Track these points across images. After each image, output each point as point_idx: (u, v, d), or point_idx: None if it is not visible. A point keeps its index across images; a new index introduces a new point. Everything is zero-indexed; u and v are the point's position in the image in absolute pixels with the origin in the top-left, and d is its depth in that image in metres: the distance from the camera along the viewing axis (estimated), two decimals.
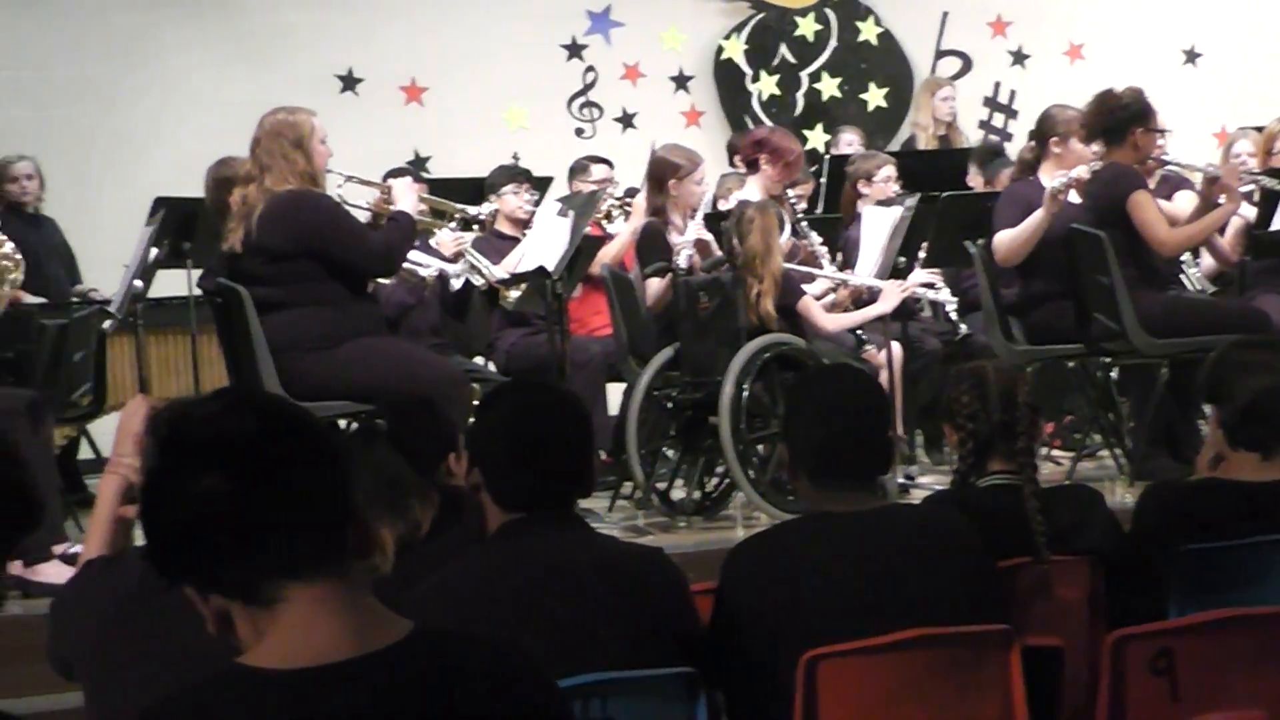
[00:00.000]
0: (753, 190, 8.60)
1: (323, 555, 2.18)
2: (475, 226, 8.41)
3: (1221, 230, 8.35)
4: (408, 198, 7.32)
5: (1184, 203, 8.57)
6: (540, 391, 3.81)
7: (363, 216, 7.48)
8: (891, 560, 3.78)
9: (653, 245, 8.27)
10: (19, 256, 6.82)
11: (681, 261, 7.97)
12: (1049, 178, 8.20)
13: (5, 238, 6.83)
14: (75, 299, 9.77)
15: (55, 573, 6.43)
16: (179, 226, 8.69)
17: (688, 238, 8.13)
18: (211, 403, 2.22)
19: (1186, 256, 8.88)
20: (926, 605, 3.72)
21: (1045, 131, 8.41)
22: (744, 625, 3.77)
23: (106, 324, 8.49)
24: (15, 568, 6.44)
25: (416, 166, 11.42)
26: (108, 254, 9.93)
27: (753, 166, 8.73)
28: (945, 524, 3.96)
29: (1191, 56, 13.76)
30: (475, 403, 6.96)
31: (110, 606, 3.33)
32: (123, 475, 3.66)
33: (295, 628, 2.16)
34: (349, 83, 12.43)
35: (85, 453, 9.34)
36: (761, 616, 3.75)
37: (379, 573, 2.51)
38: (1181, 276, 8.90)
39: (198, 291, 8.37)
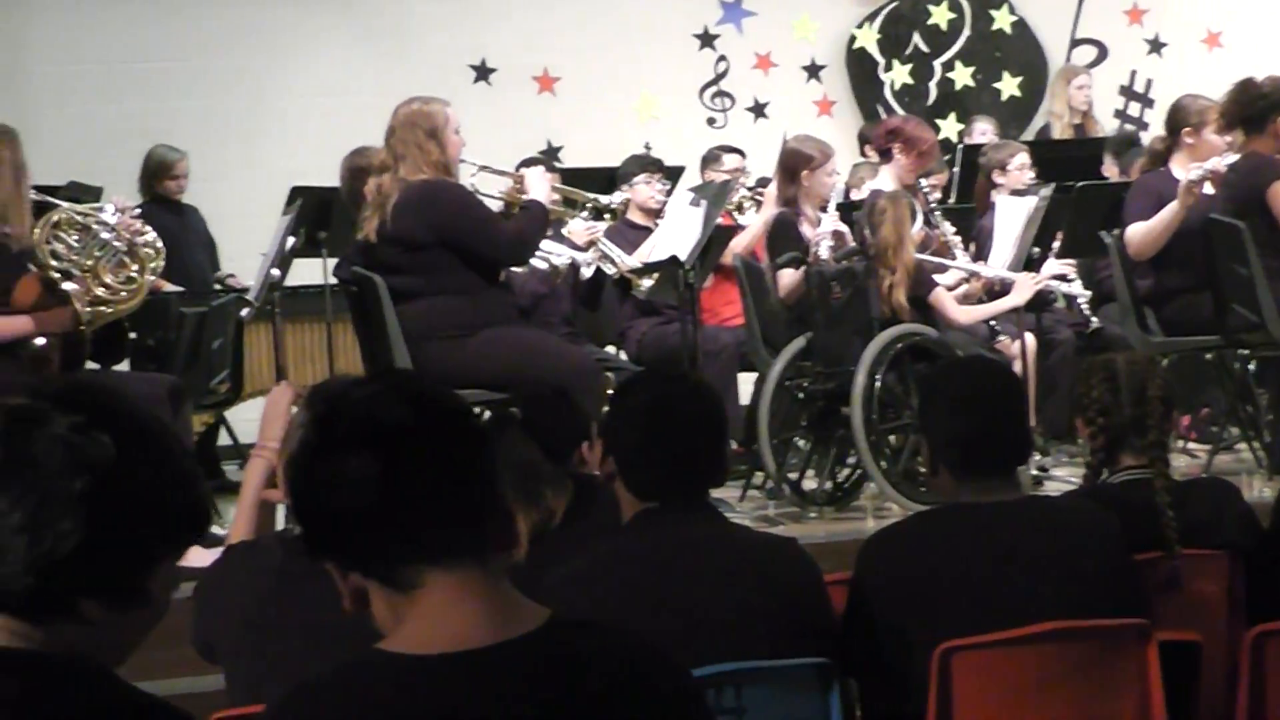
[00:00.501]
0: (886, 180, 8.56)
1: (464, 544, 2.20)
2: (606, 216, 8.42)
3: None
4: (540, 187, 7.34)
5: None
6: (676, 381, 3.82)
7: (495, 206, 7.52)
8: (1031, 553, 3.77)
9: (785, 236, 8.26)
10: (160, 245, 6.90)
11: (822, 252, 7.95)
12: (1181, 169, 8.11)
13: (149, 227, 6.93)
14: (215, 286, 9.90)
15: (196, 557, 6.49)
16: (315, 215, 8.78)
17: (824, 229, 8.11)
18: (369, 385, 2.25)
19: None
20: (1065, 599, 3.70)
21: (1178, 122, 8.31)
22: (880, 616, 3.77)
23: (244, 312, 8.58)
24: None
25: (549, 156, 11.48)
26: (243, 241, 10.06)
27: (886, 156, 8.70)
28: (1086, 517, 3.94)
29: None
30: (609, 392, 6.99)
31: (252, 591, 3.38)
32: (267, 459, 3.71)
33: (434, 614, 2.18)
34: (482, 72, 12.50)
35: (223, 439, 9.46)
36: (898, 607, 3.74)
37: (513, 560, 2.52)
38: None
39: (333, 280, 8.45)
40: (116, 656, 2.19)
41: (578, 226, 8.27)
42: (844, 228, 8.16)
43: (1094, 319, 8.78)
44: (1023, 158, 9.37)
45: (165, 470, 2.16)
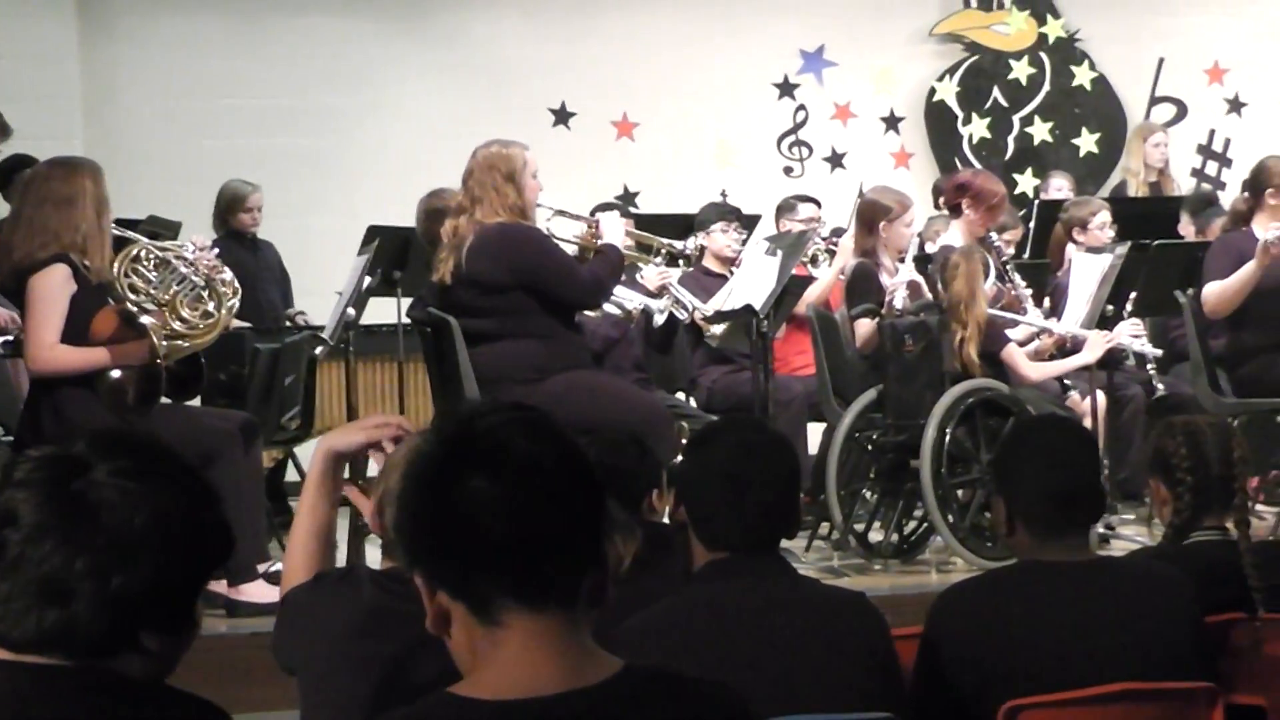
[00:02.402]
0: (955, 234, 8.55)
1: (560, 590, 2.19)
2: (681, 262, 8.43)
3: None
4: (615, 231, 7.37)
5: None
6: (754, 431, 3.82)
7: (570, 250, 7.54)
8: (1104, 614, 3.76)
9: (865, 286, 8.27)
10: (237, 284, 6.95)
11: (897, 303, 7.95)
12: (1262, 229, 8.09)
13: (225, 266, 6.97)
14: (287, 323, 9.95)
15: (260, 592, 6.55)
16: (391, 255, 8.82)
17: (900, 279, 8.11)
18: (502, 412, 2.25)
19: None
20: (1135, 660, 3.70)
21: (1261, 182, 8.30)
22: (951, 673, 3.76)
23: (318, 350, 8.62)
24: (220, 587, 6.57)
25: (625, 201, 11.53)
26: (317, 278, 10.12)
27: (955, 210, 8.67)
28: (1160, 578, 3.93)
29: None
30: (682, 440, 7.00)
31: (339, 624, 3.39)
32: (330, 445, 3.67)
33: (511, 658, 2.17)
34: (561, 116, 12.57)
35: (291, 474, 9.49)
36: (971, 665, 3.74)
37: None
38: None
39: (407, 320, 8.49)
40: (166, 676, 2.31)
41: (651, 272, 8.29)
42: (920, 279, 8.16)
43: (1158, 383, 8.74)
44: (1104, 215, 9.34)
45: (205, 505, 2.28)
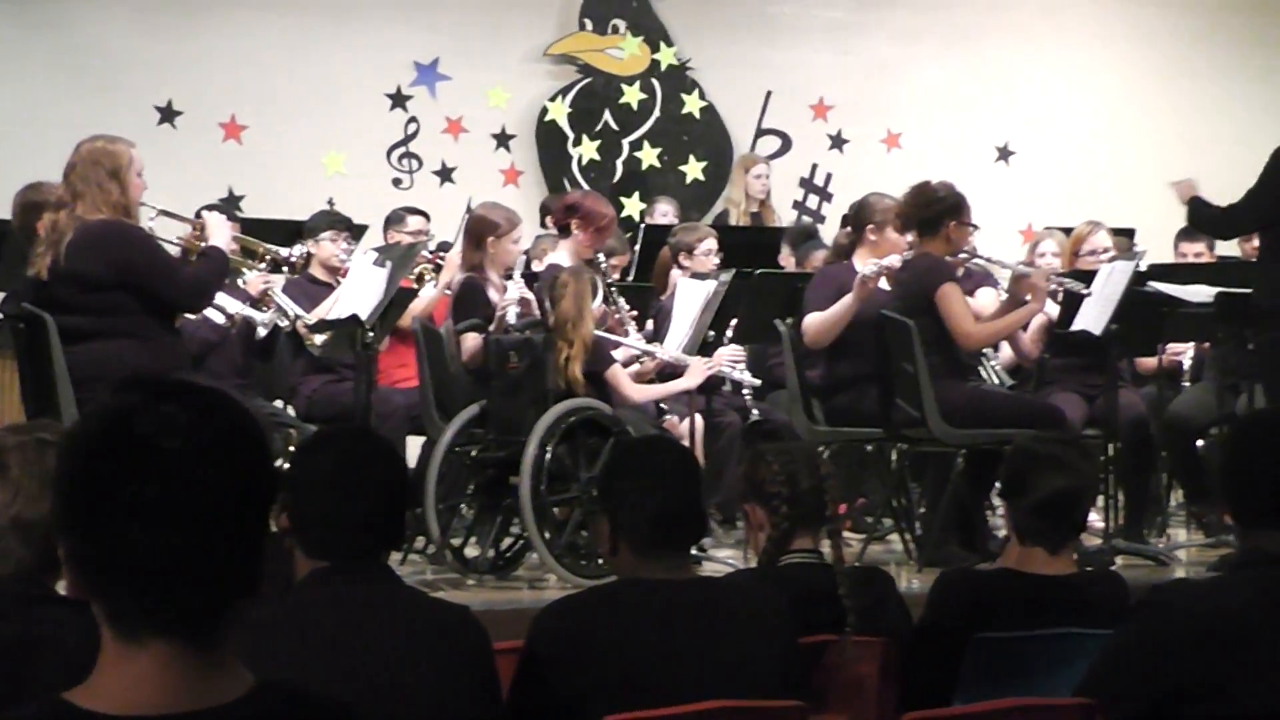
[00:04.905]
0: (563, 254, 8.58)
1: (199, 620, 2.04)
2: (285, 269, 8.33)
3: (1024, 326, 8.51)
4: (221, 233, 7.26)
5: (985, 300, 8.76)
6: (363, 440, 3.78)
7: (173, 251, 7.41)
8: (702, 631, 3.83)
9: (472, 301, 8.28)
10: None
11: (509, 318, 7.97)
12: (862, 263, 8.33)
13: None
14: None
15: None
16: None
17: (511, 296, 8.13)
18: (152, 413, 2.01)
19: (987, 349, 9.06)
20: (731, 677, 3.76)
21: (863, 218, 8.54)
22: (550, 687, 3.77)
23: None
24: None
25: (230, 204, 11.32)
26: None
27: (564, 231, 8.69)
28: (756, 598, 4.02)
29: (1005, 154, 14.03)
30: (290, 448, 6.91)
31: None
32: None
33: (141, 675, 2.02)
34: (167, 114, 12.32)
35: None
36: (570, 679, 3.76)
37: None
38: (980, 368, 9.08)
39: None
40: None
41: (254, 277, 8.18)
42: (531, 296, 8.20)
43: (754, 410, 8.95)
44: (711, 243, 9.49)
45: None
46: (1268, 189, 7.83)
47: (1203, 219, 8.29)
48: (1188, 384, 9.52)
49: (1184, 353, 9.61)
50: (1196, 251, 10.15)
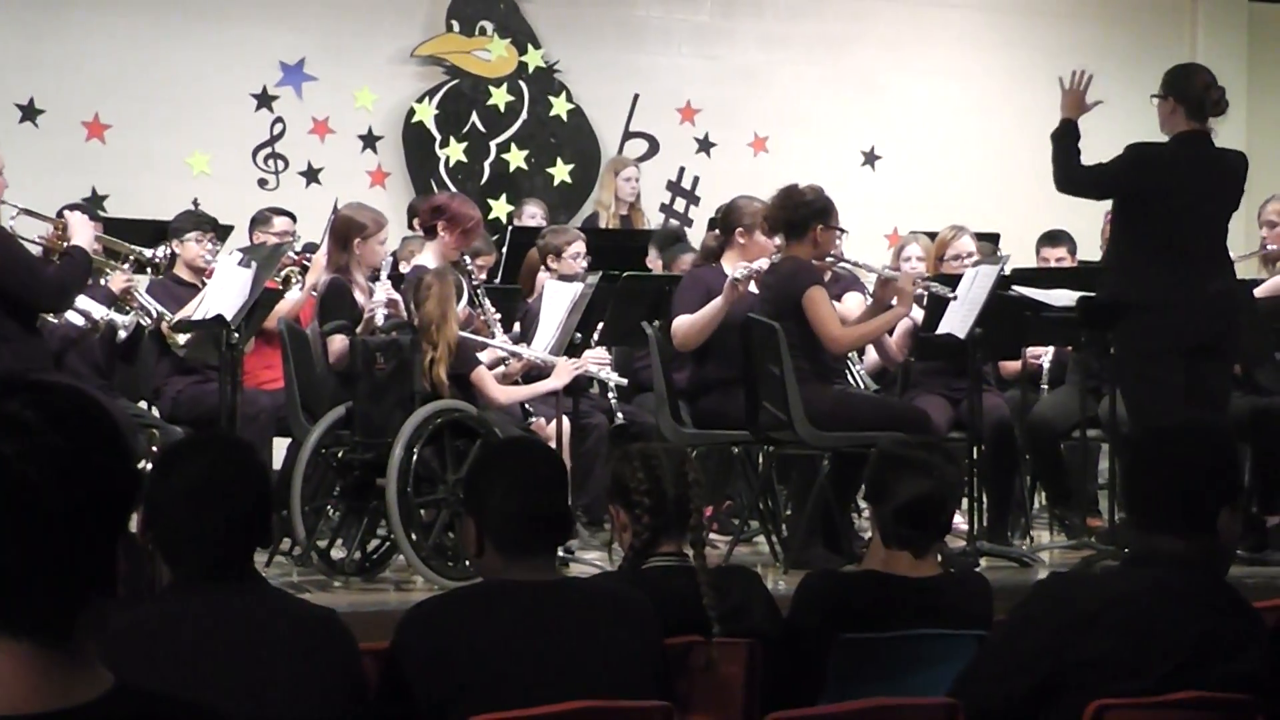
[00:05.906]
0: (430, 256, 8.54)
1: (47, 620, 1.97)
2: (150, 270, 8.26)
3: (890, 330, 8.58)
4: (83, 232, 7.20)
5: (852, 303, 8.82)
6: (228, 448, 3.74)
7: (35, 251, 7.33)
8: (568, 632, 3.84)
9: (338, 302, 8.23)
10: None
11: (378, 320, 7.93)
12: (731, 266, 8.36)
13: None
14: None
15: None
16: None
17: (379, 298, 8.09)
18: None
19: (853, 353, 9.12)
20: (596, 678, 3.76)
21: (731, 221, 8.58)
22: (414, 688, 3.77)
23: None
24: None
25: (93, 204, 11.20)
26: None
27: (430, 233, 8.65)
28: (622, 600, 4.03)
29: (870, 159, 14.14)
30: (154, 448, 6.85)
31: None
32: None
33: None
34: (29, 113, 12.18)
35: None
36: (434, 680, 3.75)
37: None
38: (846, 371, 9.14)
39: None
40: None
41: (116, 277, 8.10)
42: (399, 297, 8.17)
43: (620, 412, 8.97)
44: (579, 245, 9.49)
45: None
46: (1110, 173, 7.89)
47: (1059, 152, 8.14)
48: (1046, 387, 9.63)
49: (1043, 356, 9.71)
50: (1059, 256, 10.30)
